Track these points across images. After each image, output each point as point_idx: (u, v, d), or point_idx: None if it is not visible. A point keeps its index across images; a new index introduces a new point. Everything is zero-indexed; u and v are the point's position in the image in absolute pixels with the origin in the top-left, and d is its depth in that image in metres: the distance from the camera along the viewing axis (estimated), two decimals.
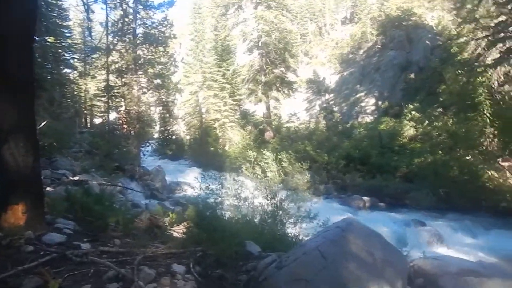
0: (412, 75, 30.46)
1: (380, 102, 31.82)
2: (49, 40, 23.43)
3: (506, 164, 14.77)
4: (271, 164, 9.43)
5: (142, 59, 19.39)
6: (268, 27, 26.75)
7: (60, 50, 25.53)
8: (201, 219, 5.76)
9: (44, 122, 11.26)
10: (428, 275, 3.71)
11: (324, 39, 45.05)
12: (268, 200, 9.01)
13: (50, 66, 24.25)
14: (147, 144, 22.11)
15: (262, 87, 27.95)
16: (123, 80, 19.56)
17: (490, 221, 12.60)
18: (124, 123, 19.28)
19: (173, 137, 35.37)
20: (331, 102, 36.60)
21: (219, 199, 9.19)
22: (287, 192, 10.82)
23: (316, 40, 44.87)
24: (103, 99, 20.21)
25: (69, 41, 28.22)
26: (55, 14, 25.95)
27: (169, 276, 3.31)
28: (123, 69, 19.35)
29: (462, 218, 12.99)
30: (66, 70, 29.53)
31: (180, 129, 36.27)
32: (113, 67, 19.52)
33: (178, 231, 5.96)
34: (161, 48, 20.26)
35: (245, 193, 9.37)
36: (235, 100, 31.87)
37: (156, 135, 38.31)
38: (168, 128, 35.13)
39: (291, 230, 8.72)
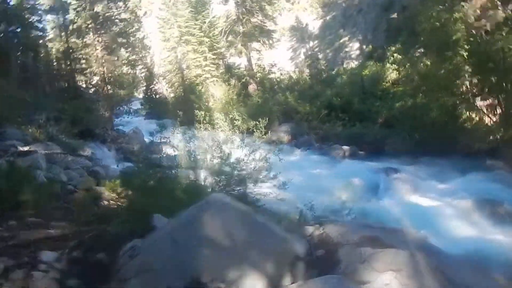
0: (395, 15, 29.35)
1: (364, 46, 30.94)
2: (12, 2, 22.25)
3: (483, 103, 14.54)
4: (222, 123, 9.12)
5: (101, 17, 18.39)
6: None
7: (24, 12, 24.21)
8: (132, 187, 5.57)
9: None
10: (331, 244, 3.51)
11: None
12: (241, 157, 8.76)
13: (18, 29, 23.15)
14: (121, 107, 21.57)
15: (241, 38, 27.01)
16: (84, 40, 18.69)
17: (465, 163, 12.52)
18: (90, 85, 18.67)
19: (157, 96, 34.84)
20: (316, 49, 35.55)
21: (183, 159, 9.02)
22: (266, 147, 10.63)
23: None
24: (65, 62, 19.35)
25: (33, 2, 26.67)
26: None
27: (28, 268, 2.99)
28: (82, 29, 18.41)
29: (438, 162, 12.92)
30: (38, 33, 28.29)
31: (163, 88, 35.56)
32: (71, 27, 18.56)
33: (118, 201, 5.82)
34: (120, 4, 19.18)
35: (217, 151, 9.09)
36: (216, 54, 30.88)
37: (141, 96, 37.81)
38: (151, 87, 34.52)
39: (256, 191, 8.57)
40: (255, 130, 8.86)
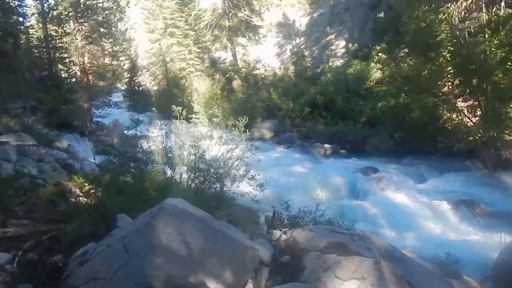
0: (382, 14, 29.41)
1: (350, 45, 30.95)
2: None
3: (464, 104, 14.63)
4: (203, 119, 8.88)
5: (82, 6, 17.89)
6: None
7: None
8: (100, 184, 5.33)
9: None
10: (298, 250, 3.37)
11: None
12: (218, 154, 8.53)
13: None
14: (101, 98, 21.12)
15: (227, 32, 26.70)
16: (64, 29, 18.17)
17: (445, 163, 12.64)
18: (70, 75, 18.19)
19: (140, 88, 34.30)
20: (302, 46, 35.45)
21: (159, 154, 8.77)
22: (248, 143, 10.40)
23: None
24: (43, 50, 18.79)
25: None
26: None
27: None
28: (62, 17, 17.89)
29: (418, 162, 13.01)
30: (19, 19, 27.36)
31: (146, 80, 35.06)
32: (50, 14, 18.01)
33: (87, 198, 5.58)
34: None
35: (194, 147, 8.84)
36: (201, 47, 30.54)
37: (124, 88, 37.17)
38: (134, 79, 33.96)
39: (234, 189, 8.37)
40: (233, 128, 8.67)
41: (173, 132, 8.87)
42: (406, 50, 21.42)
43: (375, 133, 15.65)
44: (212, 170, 7.76)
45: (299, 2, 37.67)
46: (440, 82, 14.53)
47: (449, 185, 10.98)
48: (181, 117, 9.85)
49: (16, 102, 14.70)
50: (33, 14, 24.39)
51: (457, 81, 14.36)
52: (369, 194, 10.51)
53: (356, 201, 10.20)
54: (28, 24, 27.04)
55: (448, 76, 14.30)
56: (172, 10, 29.39)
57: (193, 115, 10.17)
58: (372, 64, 23.61)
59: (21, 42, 24.40)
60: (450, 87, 14.81)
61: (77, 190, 5.97)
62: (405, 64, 18.83)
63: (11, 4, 25.07)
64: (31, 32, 26.14)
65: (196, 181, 7.90)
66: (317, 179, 11.64)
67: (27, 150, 8.46)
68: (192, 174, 7.82)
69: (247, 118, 12.20)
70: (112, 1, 20.13)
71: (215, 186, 7.99)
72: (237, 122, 7.75)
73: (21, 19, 28.54)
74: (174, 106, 10.11)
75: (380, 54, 24.35)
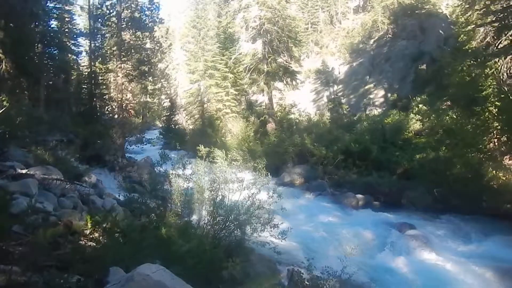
0: (424, 66, 28.93)
1: (389, 94, 30.43)
2: (53, 25, 22.91)
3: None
4: (221, 160, 8.48)
5: (126, 45, 18.56)
6: (271, 13, 25.55)
7: (60, 35, 24.88)
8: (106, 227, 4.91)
9: (2, 109, 10.50)
10: None
11: (336, 28, 43.46)
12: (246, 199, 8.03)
13: (54, 51, 23.72)
14: (135, 135, 21.40)
15: (265, 76, 26.88)
16: (107, 66, 18.83)
17: (490, 225, 11.44)
18: (107, 111, 18.60)
19: (176, 126, 34.86)
20: (340, 94, 35.25)
21: (180, 195, 8.37)
22: (278, 188, 9.84)
23: (327, 29, 43.29)
24: (86, 86, 19.46)
25: (71, 26, 27.51)
26: None
27: None
28: (107, 55, 18.60)
29: (459, 221, 11.93)
30: (73, 57, 28.90)
31: (183, 119, 35.65)
32: (97, 52, 18.80)
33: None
34: (147, 34, 19.40)
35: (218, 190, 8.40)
36: (238, 90, 30.92)
37: (161, 125, 37.95)
38: (172, 117, 34.63)
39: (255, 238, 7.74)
40: (258, 170, 8.19)
41: (196, 173, 8.53)
42: (449, 102, 20.70)
43: (412, 187, 14.69)
44: (232, 216, 7.28)
45: (339, 51, 37.96)
46: (485, 138, 13.63)
47: (494, 250, 9.81)
48: (207, 158, 9.56)
49: (54, 134, 14.97)
50: (83, 52, 25.75)
51: (504, 138, 13.42)
52: (404, 253, 9.56)
53: (388, 261, 9.27)
54: (80, 61, 28.68)
55: (495, 132, 13.37)
56: (214, 53, 30.22)
57: (216, 157, 9.82)
58: (412, 115, 22.89)
59: (72, 77, 25.70)
60: (497, 143, 13.86)
61: (87, 231, 5.55)
62: (447, 117, 18.07)
63: (67, 42, 26.72)
64: (81, 69, 27.55)
65: (216, 227, 7.43)
66: (347, 232, 10.85)
67: (51, 184, 8.26)
68: (211, 219, 7.36)
69: (278, 161, 11.68)
70: (155, 42, 20.82)
71: (235, 234, 7.47)
72: (256, 164, 7.34)
73: (74, 57, 30.38)
74: (202, 146, 9.93)
75: (420, 105, 23.70)
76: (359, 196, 15.15)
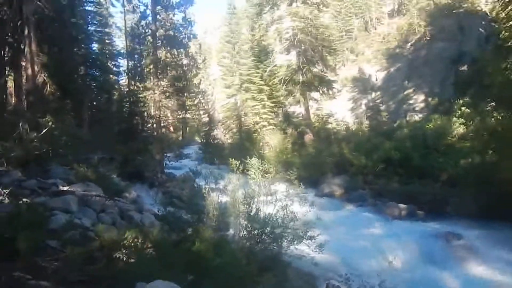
0: (465, 67, 27.92)
1: (429, 99, 29.53)
2: (94, 47, 24.26)
3: None
4: (255, 172, 8.56)
5: (162, 62, 19.25)
6: (303, 23, 25.63)
7: (101, 57, 26.21)
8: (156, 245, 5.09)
9: (46, 129, 11.18)
10: None
11: (370, 34, 42.85)
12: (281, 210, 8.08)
13: (96, 73, 25.11)
14: (174, 151, 21.97)
15: (300, 87, 26.89)
16: (145, 84, 19.57)
17: None
18: (145, 128, 19.26)
19: (214, 141, 35.42)
20: (378, 101, 34.56)
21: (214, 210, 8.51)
22: (317, 200, 9.81)
23: (362, 36, 42.76)
24: (127, 104, 20.33)
25: (111, 47, 28.93)
26: (96, 22, 26.72)
27: None
28: (145, 73, 19.35)
29: (509, 229, 11.28)
30: (114, 77, 30.32)
31: (221, 134, 36.21)
32: (134, 71, 19.61)
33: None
34: (182, 50, 20.04)
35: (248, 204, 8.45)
36: (274, 102, 31.10)
37: (200, 140, 38.67)
38: (210, 132, 35.26)
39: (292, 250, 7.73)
40: (291, 181, 8.25)
41: (230, 186, 8.67)
42: (493, 103, 19.79)
43: (457, 194, 14.09)
44: (267, 229, 7.33)
45: (376, 57, 37.36)
46: None
47: None
48: (242, 171, 9.70)
49: (95, 152, 15.65)
50: (122, 72, 26.98)
51: None
52: (451, 263, 9.21)
53: (434, 273, 8.95)
54: (121, 81, 30.08)
55: None
56: (249, 67, 30.65)
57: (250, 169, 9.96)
58: (454, 119, 22.07)
59: (113, 97, 26.95)
60: None
61: (123, 246, 5.76)
62: (493, 119, 17.28)
63: (108, 63, 28.12)
64: (122, 89, 28.79)
65: (252, 241, 7.49)
66: (389, 244, 10.57)
67: (91, 200, 8.65)
68: (246, 233, 7.45)
69: (317, 173, 11.58)
70: (189, 58, 21.45)
71: (271, 247, 7.50)
72: (289, 173, 7.39)
73: (115, 77, 31.87)
74: (233, 159, 10.09)
75: (463, 108, 22.85)
76: (402, 205, 14.71)
